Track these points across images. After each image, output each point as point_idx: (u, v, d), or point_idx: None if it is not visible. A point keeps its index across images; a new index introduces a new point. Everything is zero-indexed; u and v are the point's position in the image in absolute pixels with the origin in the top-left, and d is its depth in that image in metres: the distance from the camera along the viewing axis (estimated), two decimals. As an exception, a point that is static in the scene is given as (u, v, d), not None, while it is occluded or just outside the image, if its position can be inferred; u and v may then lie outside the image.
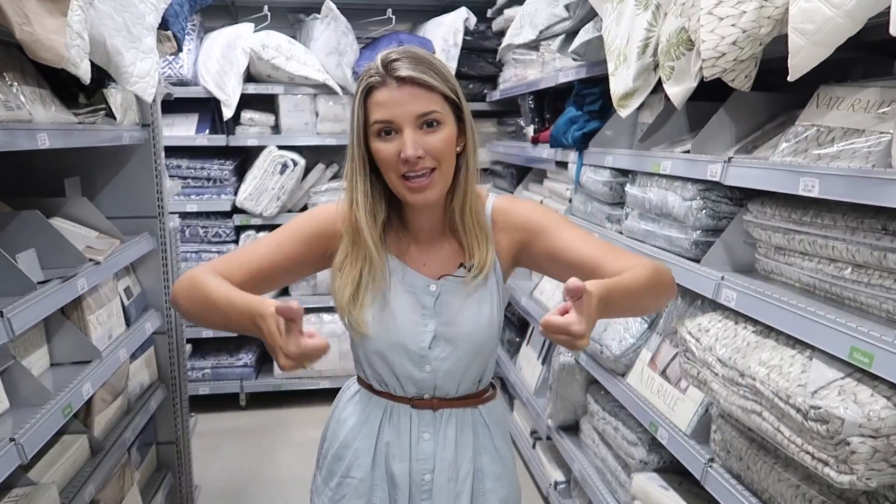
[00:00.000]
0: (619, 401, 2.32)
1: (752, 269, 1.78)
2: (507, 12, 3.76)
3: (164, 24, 2.08)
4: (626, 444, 2.32)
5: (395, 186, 1.21)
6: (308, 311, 4.21)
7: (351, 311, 1.24)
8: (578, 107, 2.65)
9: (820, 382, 1.28)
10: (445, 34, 3.98)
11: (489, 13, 4.16)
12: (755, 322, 1.59)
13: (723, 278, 1.67)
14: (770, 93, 1.83)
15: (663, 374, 2.09)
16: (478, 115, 4.32)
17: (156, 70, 1.91)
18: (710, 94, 1.83)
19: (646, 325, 2.30)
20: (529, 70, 3.62)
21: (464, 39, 4.00)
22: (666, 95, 2.15)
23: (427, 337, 1.26)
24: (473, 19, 4.01)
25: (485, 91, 4.21)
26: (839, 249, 1.41)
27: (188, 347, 2.96)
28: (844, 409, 1.18)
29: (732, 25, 1.29)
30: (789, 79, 1.17)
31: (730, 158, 1.62)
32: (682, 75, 1.66)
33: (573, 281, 0.96)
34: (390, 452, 1.31)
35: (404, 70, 1.15)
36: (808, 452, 1.28)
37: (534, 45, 3.17)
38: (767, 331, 1.55)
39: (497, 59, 4.14)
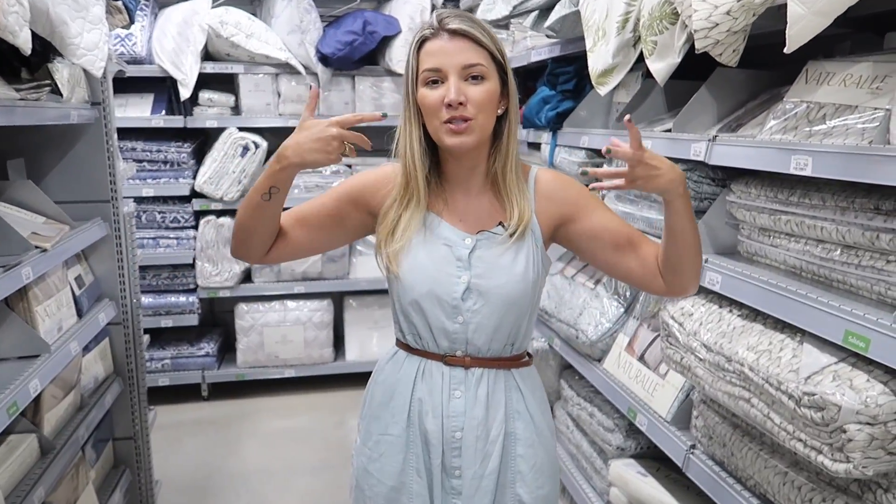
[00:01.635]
0: (595, 386, 2.28)
1: (734, 251, 1.74)
2: (476, -10, 3.66)
3: (113, -7, 1.94)
4: (603, 430, 2.28)
5: (436, 132, 1.27)
6: (272, 297, 4.10)
7: (387, 247, 1.32)
8: (552, 86, 2.58)
9: (813, 368, 1.24)
10: (412, 12, 3.87)
11: (456, -9, 4.07)
12: (741, 305, 1.55)
13: (707, 261, 1.62)
14: (753, 70, 1.78)
15: (641, 358, 2.05)
16: (445, 96, 4.23)
17: (105, 42, 1.77)
18: (688, 72, 1.77)
19: (622, 310, 2.25)
20: (499, 49, 3.53)
21: (431, 18, 3.89)
22: (643, 73, 2.10)
23: (460, 287, 1.30)
24: (441, -3, 3.91)
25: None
26: (828, 230, 1.37)
27: (146, 338, 2.82)
28: (841, 395, 1.14)
29: (726, -7, 1.23)
30: (786, 50, 1.11)
31: (714, 136, 1.57)
32: (665, 50, 1.60)
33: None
34: (423, 409, 1.34)
35: (455, 23, 1.24)
36: (800, 440, 1.24)
37: (503, 24, 3.08)
38: (754, 314, 1.50)
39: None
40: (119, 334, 2.52)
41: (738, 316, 1.52)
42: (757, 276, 1.45)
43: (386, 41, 3.90)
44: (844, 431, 1.13)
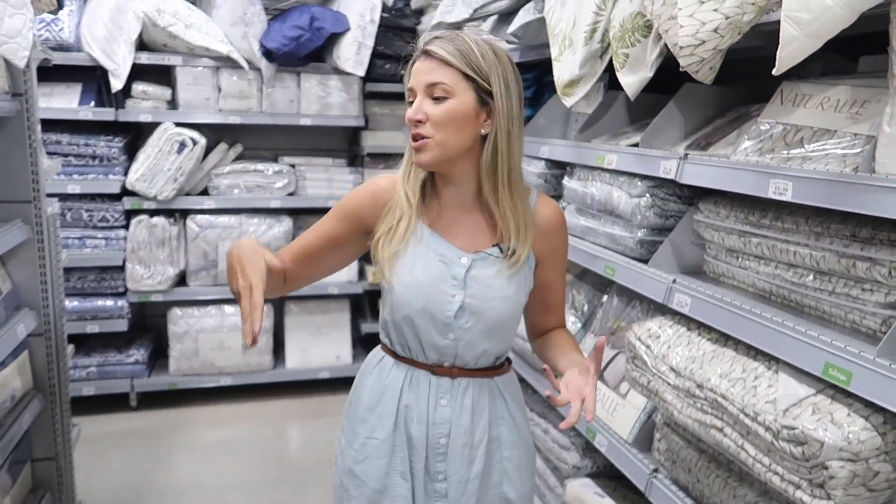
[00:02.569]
0: (552, 407, 2.22)
1: (699, 270, 1.71)
2: (428, -11, 3.57)
3: (40, -25, 1.76)
4: (558, 447, 2.22)
5: (410, 149, 1.32)
6: (208, 302, 3.91)
7: (382, 251, 1.33)
8: (509, 93, 2.51)
9: (791, 399, 1.20)
10: (362, 9, 3.74)
11: (407, -10, 3.96)
12: (710, 329, 1.51)
13: (674, 281, 1.58)
14: (719, 86, 1.75)
15: (601, 377, 2.00)
16: (392, 96, 4.13)
17: (29, 29, 1.60)
18: (650, 84, 1.73)
19: (579, 325, 2.20)
20: (451, 52, 3.44)
21: (381, 16, 3.77)
22: (607, 84, 2.05)
23: (454, 306, 1.33)
24: (392, -6, 3.80)
25: (401, 72, 3.98)
26: (801, 255, 1.34)
27: (70, 348, 2.61)
28: (823, 430, 1.10)
29: (714, 10, 1.18)
30: (775, 72, 1.07)
31: (686, 155, 1.52)
32: (637, 64, 1.55)
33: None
34: (409, 416, 1.38)
35: (431, 45, 1.28)
36: (776, 473, 1.21)
37: (458, 27, 3.00)
38: (724, 339, 1.47)
39: (417, 39, 3.95)
40: (40, 346, 2.31)
41: (709, 340, 1.49)
42: (729, 300, 1.41)
43: (334, 38, 3.76)
44: (826, 468, 1.10)
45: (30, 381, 2.31)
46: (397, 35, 3.98)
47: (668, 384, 1.48)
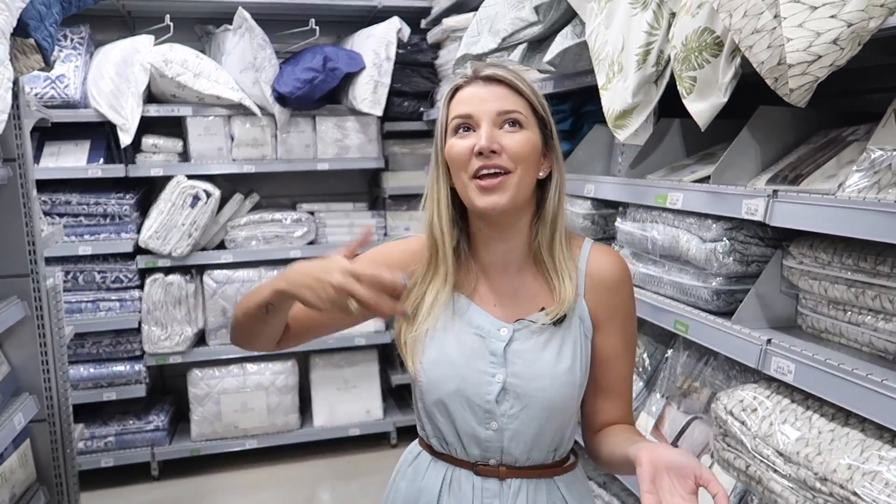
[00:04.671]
0: (616, 476, 1.96)
1: (792, 324, 1.44)
2: (446, 22, 3.39)
3: (23, 30, 1.58)
4: (625, 526, 1.95)
5: (464, 189, 1.10)
6: (229, 361, 3.70)
7: (406, 334, 1.15)
8: (543, 126, 2.30)
9: (960, 505, 0.94)
10: (376, 47, 3.57)
11: (423, 24, 3.80)
12: (822, 401, 1.25)
13: (769, 342, 1.32)
14: (794, 108, 1.51)
15: (675, 446, 1.73)
16: (412, 135, 3.94)
17: (7, 90, 1.42)
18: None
19: (642, 384, 1.94)
20: (473, 85, 3.25)
21: (396, 52, 3.60)
22: (657, 111, 1.82)
23: (494, 388, 1.12)
24: (407, 30, 3.62)
25: (421, 109, 3.82)
26: (939, 310, 1.09)
27: (79, 430, 2.40)
28: None
29: (832, 17, 0.94)
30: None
31: (775, 192, 1.28)
32: (706, 88, 1.32)
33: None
34: None
35: (491, 70, 1.11)
36: None
37: (482, 58, 2.80)
38: (845, 415, 1.20)
39: (435, 74, 3.76)
40: (43, 433, 2.11)
41: (823, 417, 1.22)
42: (849, 367, 1.15)
43: (348, 78, 3.59)
44: None
45: (33, 473, 2.10)
46: (415, 71, 3.81)
47: (776, 472, 1.21)
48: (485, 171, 1.07)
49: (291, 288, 1.04)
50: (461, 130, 1.10)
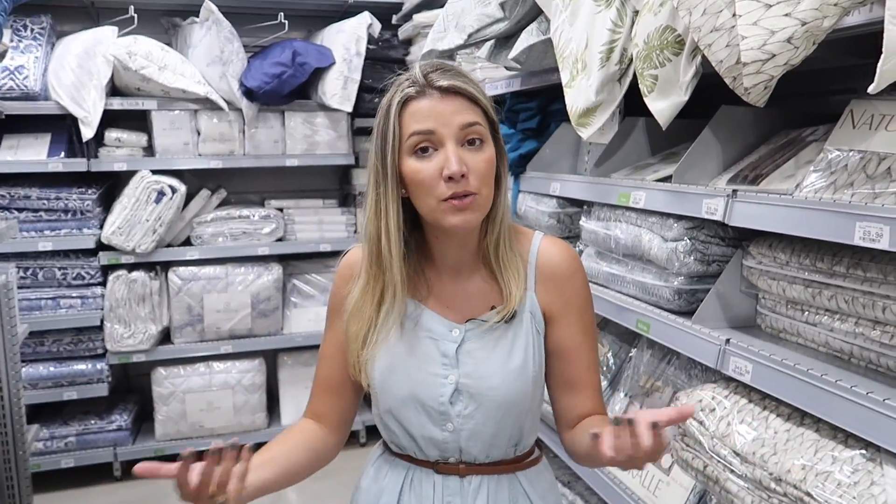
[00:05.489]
0: (579, 474, 1.95)
1: (751, 323, 1.45)
2: (417, 17, 3.37)
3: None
4: (589, 525, 1.95)
5: (432, 212, 1.07)
6: (195, 359, 3.63)
7: (359, 356, 1.13)
8: (511, 124, 2.29)
9: (910, 506, 0.94)
10: (347, 42, 3.53)
11: (394, 19, 3.76)
12: (778, 401, 1.25)
13: (728, 342, 1.32)
14: (759, 107, 1.51)
15: (636, 446, 1.73)
16: (384, 131, 3.90)
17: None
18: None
19: (606, 383, 1.94)
20: (444, 82, 3.23)
21: (367, 48, 3.56)
22: (622, 110, 1.82)
23: (447, 390, 1.11)
24: (378, 26, 3.59)
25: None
26: (893, 311, 1.09)
27: (33, 430, 2.33)
28: (966, 555, 0.84)
29: (786, 16, 0.94)
30: (872, 88, 0.83)
31: (735, 192, 1.27)
32: (668, 86, 1.31)
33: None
34: None
35: (447, 80, 1.05)
36: None
37: (449, 55, 2.78)
38: (800, 415, 1.20)
39: (407, 71, 3.73)
40: (-6, 438, 2.05)
41: (780, 417, 1.22)
42: (805, 368, 1.15)
43: (318, 73, 3.54)
44: None
45: (-18, 478, 2.04)
46: (386, 67, 3.77)
47: (732, 472, 1.21)
48: (460, 193, 1.04)
49: None
50: (419, 150, 1.05)
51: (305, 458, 1.16)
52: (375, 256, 1.10)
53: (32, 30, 3.30)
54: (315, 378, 1.22)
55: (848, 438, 1.10)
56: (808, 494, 1.06)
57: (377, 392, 1.14)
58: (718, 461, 1.25)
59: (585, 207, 1.86)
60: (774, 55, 0.97)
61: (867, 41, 1.17)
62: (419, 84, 1.05)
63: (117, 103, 3.36)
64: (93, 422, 3.53)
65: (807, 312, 1.27)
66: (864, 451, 1.06)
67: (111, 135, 3.40)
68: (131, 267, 3.46)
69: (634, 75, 1.49)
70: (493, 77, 2.42)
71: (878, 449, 1.05)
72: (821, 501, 1.03)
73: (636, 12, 1.45)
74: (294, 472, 1.14)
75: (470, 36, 1.96)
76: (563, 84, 1.65)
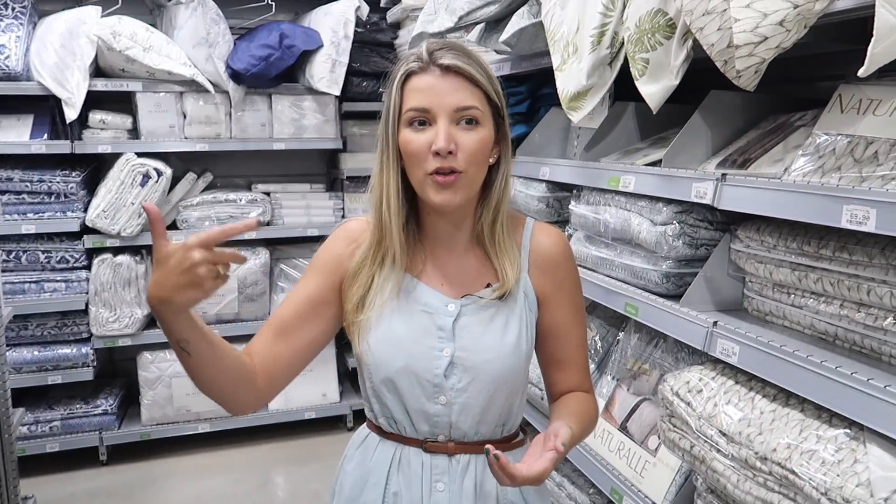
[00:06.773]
0: (566, 456, 1.97)
1: (738, 307, 1.47)
2: (405, 1, 3.34)
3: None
4: (575, 506, 1.97)
5: (419, 185, 1.10)
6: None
7: (356, 316, 1.14)
8: (500, 108, 2.28)
9: (891, 484, 0.96)
10: (334, 25, 3.50)
11: (383, 2, 3.73)
12: (765, 382, 1.27)
13: (716, 324, 1.34)
14: (749, 92, 1.52)
15: (623, 428, 1.75)
16: (371, 115, 3.88)
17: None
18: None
19: (593, 366, 1.95)
20: (432, 66, 3.21)
21: (355, 31, 3.53)
22: (612, 95, 1.82)
23: (442, 362, 1.13)
24: (366, 8, 3.56)
25: (380, 89, 3.77)
26: (878, 293, 1.11)
27: (18, 414, 2.31)
28: (946, 530, 0.86)
29: (779, -2, 0.95)
30: (862, 72, 0.84)
31: (724, 175, 1.28)
32: (659, 70, 1.32)
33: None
34: None
35: (449, 58, 1.07)
36: (876, 575, 0.96)
37: (439, 37, 2.76)
38: (786, 396, 1.22)
39: (395, 54, 3.71)
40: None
41: (765, 397, 1.24)
42: (791, 349, 1.17)
43: (306, 56, 3.51)
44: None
45: (-32, 461, 2.03)
46: (374, 51, 3.75)
47: (719, 451, 1.23)
48: (442, 169, 1.06)
49: (164, 305, 0.96)
50: (416, 123, 1.08)
51: (237, 362, 1.11)
52: (377, 221, 1.13)
53: (14, 8, 3.24)
54: (269, 320, 1.19)
55: (832, 418, 1.13)
56: (793, 472, 1.08)
57: (371, 364, 1.15)
58: (705, 441, 1.27)
59: (575, 192, 1.87)
60: (767, 38, 0.98)
61: (855, 27, 1.18)
62: (423, 60, 1.08)
63: (101, 84, 3.31)
64: (78, 406, 3.52)
65: (793, 295, 1.29)
66: (847, 430, 1.08)
67: (95, 116, 3.36)
68: (116, 250, 3.43)
69: (625, 59, 1.49)
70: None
71: (862, 428, 1.07)
72: (805, 479, 1.05)
73: (628, -5, 1.45)
74: (224, 361, 1.09)
75: (460, 19, 1.95)
76: (554, 67, 1.65)
